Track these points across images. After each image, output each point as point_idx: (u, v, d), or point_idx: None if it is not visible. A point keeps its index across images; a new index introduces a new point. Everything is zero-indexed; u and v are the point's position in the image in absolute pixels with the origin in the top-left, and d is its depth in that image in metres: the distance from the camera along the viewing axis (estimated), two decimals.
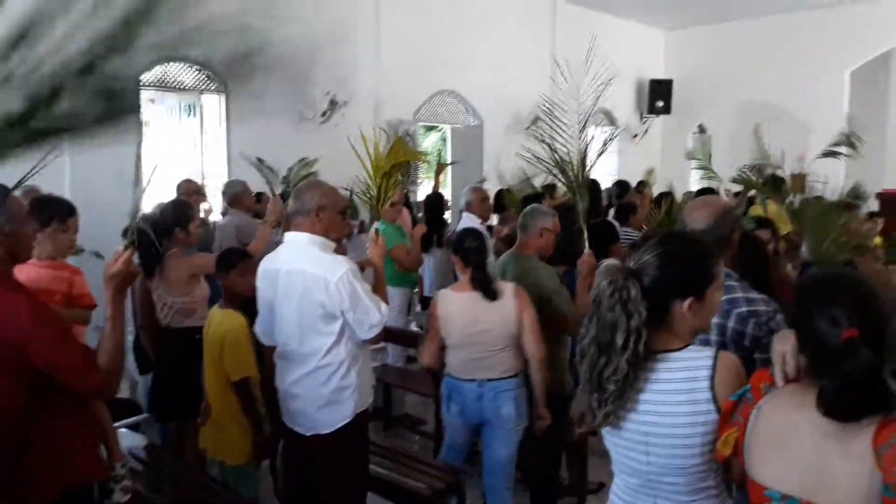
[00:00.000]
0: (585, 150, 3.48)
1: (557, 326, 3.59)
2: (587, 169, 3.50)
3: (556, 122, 3.59)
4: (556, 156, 3.51)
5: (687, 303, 1.71)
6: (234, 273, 3.34)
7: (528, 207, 3.94)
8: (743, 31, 11.49)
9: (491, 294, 3.30)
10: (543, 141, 3.52)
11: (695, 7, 10.99)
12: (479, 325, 3.30)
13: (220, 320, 3.29)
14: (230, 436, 3.30)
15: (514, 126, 9.49)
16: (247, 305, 3.24)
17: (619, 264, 1.79)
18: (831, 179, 5.86)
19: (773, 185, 6.58)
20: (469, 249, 3.36)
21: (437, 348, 3.46)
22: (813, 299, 1.53)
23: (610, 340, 1.67)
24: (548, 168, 3.57)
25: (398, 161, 3.43)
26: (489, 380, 3.34)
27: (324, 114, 7.46)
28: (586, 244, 3.43)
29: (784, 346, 1.60)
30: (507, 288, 3.35)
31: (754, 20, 11.29)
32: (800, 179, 10.55)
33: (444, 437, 3.67)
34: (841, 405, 1.42)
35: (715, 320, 2.23)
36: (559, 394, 3.48)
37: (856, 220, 5.12)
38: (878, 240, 5.39)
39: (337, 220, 2.96)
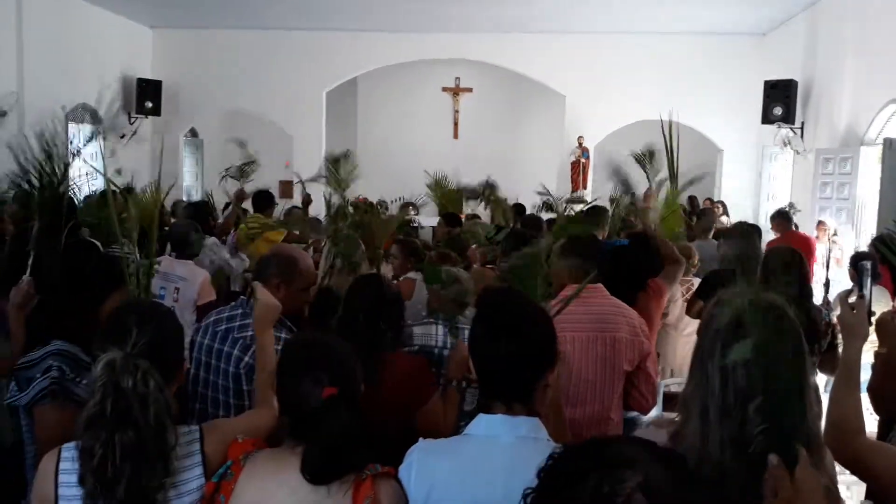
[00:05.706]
0: (68, 150, 3.05)
1: None
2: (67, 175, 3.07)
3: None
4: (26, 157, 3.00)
5: None
6: None
7: None
8: (234, 40, 11.69)
9: None
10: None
11: (183, 8, 10.75)
12: None
13: None
14: None
15: None
16: None
17: None
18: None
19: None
20: None
21: None
22: (297, 363, 1.57)
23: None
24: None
25: None
26: None
27: None
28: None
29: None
30: None
31: (245, 31, 11.58)
32: (287, 186, 11.38)
33: None
34: (325, 468, 1.44)
35: None
36: None
37: None
38: None
39: None
